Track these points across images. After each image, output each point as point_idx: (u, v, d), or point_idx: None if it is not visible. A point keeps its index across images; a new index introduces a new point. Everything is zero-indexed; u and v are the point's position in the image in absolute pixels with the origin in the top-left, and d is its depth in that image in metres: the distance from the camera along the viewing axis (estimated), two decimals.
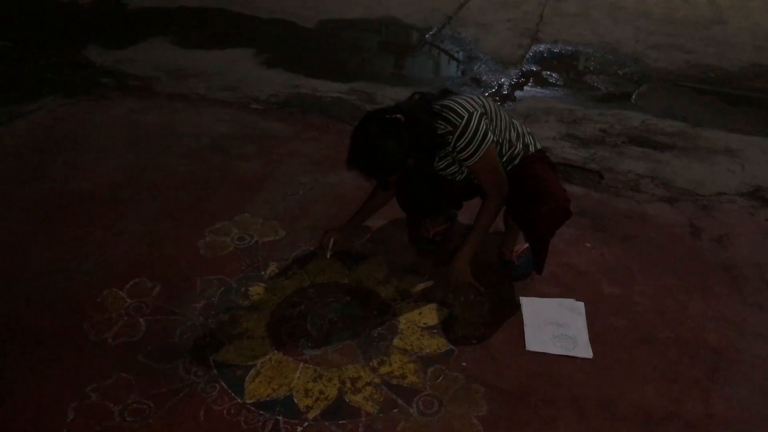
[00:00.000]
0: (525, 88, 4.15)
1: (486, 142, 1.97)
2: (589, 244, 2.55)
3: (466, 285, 2.20)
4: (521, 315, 2.18)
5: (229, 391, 1.86)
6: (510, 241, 2.38)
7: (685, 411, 1.87)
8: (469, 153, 1.97)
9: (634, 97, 4.05)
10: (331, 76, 4.10)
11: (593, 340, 2.10)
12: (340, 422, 1.79)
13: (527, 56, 4.63)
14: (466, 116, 1.94)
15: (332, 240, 2.31)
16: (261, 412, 1.80)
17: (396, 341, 2.07)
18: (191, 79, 3.98)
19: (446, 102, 1.98)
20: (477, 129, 1.95)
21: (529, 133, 2.21)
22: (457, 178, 2.15)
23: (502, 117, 2.09)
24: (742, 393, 1.94)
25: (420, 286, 2.30)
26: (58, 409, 1.78)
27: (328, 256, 2.32)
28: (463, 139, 1.95)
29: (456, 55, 4.72)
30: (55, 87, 3.78)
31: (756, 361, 2.05)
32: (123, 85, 3.87)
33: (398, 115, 1.89)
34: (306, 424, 1.78)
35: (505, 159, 2.12)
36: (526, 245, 2.36)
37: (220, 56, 4.39)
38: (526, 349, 2.06)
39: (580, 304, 2.24)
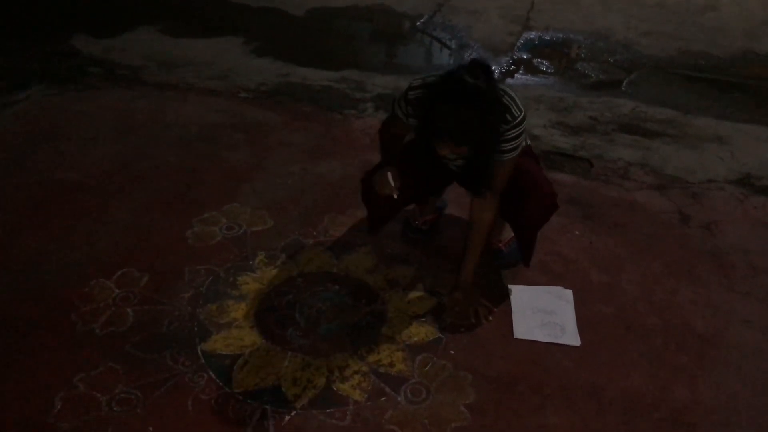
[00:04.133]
0: (516, 75, 4.13)
1: (523, 143, 1.96)
2: (578, 232, 2.55)
3: (482, 307, 2.14)
4: (509, 303, 2.19)
5: (217, 380, 1.86)
6: (498, 230, 2.37)
7: (673, 398, 1.88)
8: (511, 147, 1.92)
9: (624, 84, 4.04)
10: (320, 64, 4.07)
11: (581, 327, 2.10)
12: (328, 410, 1.79)
13: (518, 44, 4.61)
14: (524, 111, 1.90)
15: (389, 174, 2.02)
16: (249, 401, 1.81)
17: (384, 330, 2.07)
18: (180, 68, 3.95)
19: (507, 90, 1.90)
20: (524, 128, 1.92)
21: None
22: (451, 166, 2.13)
23: None
24: (728, 380, 1.95)
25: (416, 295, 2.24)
26: (45, 399, 1.78)
27: (396, 196, 2.03)
28: (514, 131, 1.90)
29: (447, 42, 4.69)
30: (42, 77, 3.73)
31: (743, 348, 2.06)
32: (111, 75, 3.83)
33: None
34: (294, 412, 1.78)
35: None
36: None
37: (209, 45, 4.34)
38: (514, 336, 2.07)
39: (569, 292, 2.24)
